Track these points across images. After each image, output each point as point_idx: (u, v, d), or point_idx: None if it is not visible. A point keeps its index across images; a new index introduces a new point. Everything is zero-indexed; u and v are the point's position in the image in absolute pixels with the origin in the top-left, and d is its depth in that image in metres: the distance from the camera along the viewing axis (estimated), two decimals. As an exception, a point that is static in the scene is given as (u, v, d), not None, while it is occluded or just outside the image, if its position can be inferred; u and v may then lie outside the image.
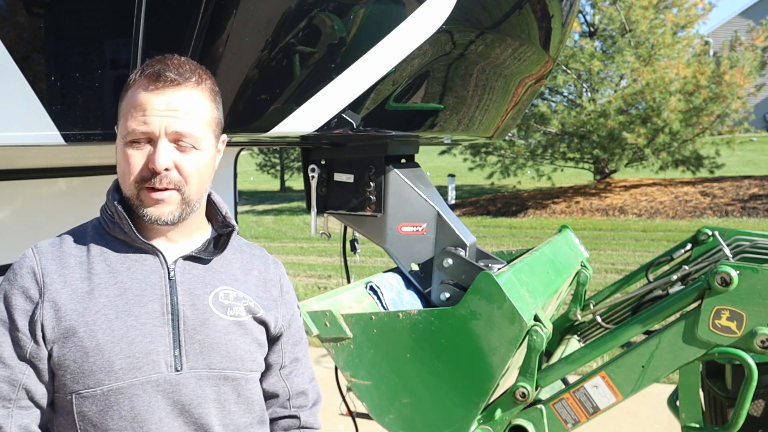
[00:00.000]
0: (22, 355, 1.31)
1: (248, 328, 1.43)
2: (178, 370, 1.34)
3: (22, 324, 1.31)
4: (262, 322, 1.47)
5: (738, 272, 1.95)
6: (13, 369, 1.31)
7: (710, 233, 3.16)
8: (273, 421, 1.57)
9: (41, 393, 1.33)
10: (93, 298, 1.33)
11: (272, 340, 1.52)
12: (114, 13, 1.92)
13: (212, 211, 1.51)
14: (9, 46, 1.88)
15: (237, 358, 1.40)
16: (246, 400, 1.43)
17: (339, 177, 2.52)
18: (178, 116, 1.33)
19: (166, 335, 1.34)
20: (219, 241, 1.48)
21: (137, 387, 1.31)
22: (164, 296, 1.36)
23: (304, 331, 1.65)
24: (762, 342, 1.94)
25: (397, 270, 2.55)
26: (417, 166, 2.66)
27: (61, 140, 1.91)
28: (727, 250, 3.02)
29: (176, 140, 1.34)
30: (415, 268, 2.48)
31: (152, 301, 1.35)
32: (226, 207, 1.51)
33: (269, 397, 1.55)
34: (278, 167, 25.79)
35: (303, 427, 1.59)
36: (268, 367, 1.53)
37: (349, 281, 2.88)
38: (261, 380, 1.52)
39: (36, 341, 1.31)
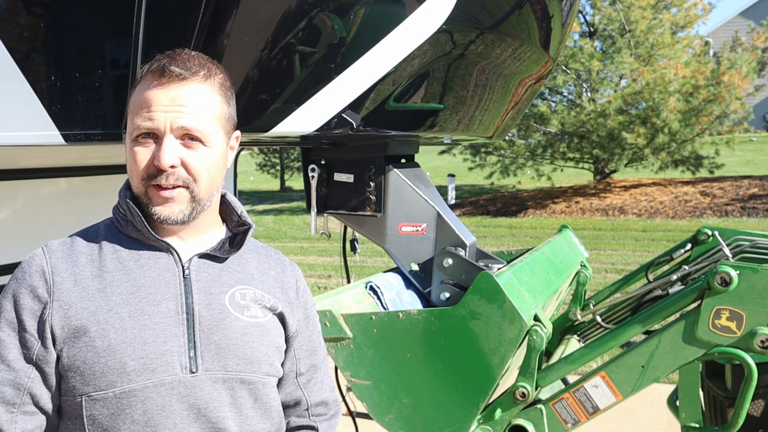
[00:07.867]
0: (28, 358, 1.27)
1: (266, 329, 1.38)
2: (193, 372, 1.28)
3: (30, 325, 1.26)
4: (282, 321, 1.41)
5: (738, 272, 1.95)
6: (18, 372, 1.26)
7: (710, 233, 3.16)
8: (289, 430, 1.49)
9: (47, 398, 1.28)
10: (105, 297, 1.28)
11: (286, 344, 1.45)
12: (114, 13, 1.92)
13: (227, 212, 1.47)
14: (9, 46, 1.88)
15: (254, 361, 1.34)
16: (263, 406, 1.37)
17: (339, 177, 2.52)
18: (184, 111, 1.30)
19: (181, 335, 1.29)
20: (234, 240, 1.43)
21: (150, 389, 1.25)
22: (179, 295, 1.31)
23: (322, 337, 1.56)
24: (762, 342, 1.94)
25: (397, 270, 2.55)
26: (417, 166, 2.66)
27: (61, 140, 1.90)
28: (726, 250, 3.02)
29: (183, 136, 1.31)
30: (415, 268, 2.48)
31: (166, 299, 1.30)
32: (241, 207, 1.47)
33: (287, 406, 1.48)
34: (278, 167, 25.76)
35: None
36: (283, 375, 1.45)
37: (349, 281, 2.88)
38: (278, 389, 1.45)
39: (44, 343, 1.26)
